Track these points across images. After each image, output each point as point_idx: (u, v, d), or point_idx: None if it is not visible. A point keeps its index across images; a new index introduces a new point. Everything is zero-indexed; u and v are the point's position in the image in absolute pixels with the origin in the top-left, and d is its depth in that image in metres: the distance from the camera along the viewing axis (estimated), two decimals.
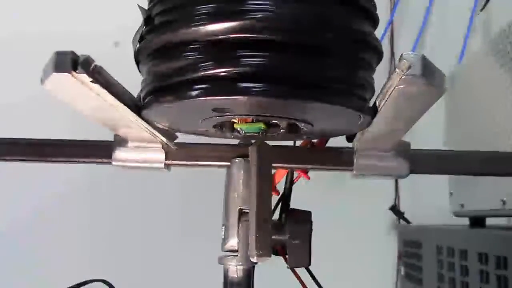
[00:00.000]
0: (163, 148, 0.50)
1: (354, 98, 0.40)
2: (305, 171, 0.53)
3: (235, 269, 0.47)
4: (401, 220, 1.20)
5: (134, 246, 1.16)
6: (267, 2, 0.37)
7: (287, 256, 0.48)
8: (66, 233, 1.14)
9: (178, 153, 0.50)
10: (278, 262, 0.47)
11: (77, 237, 1.15)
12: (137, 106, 0.41)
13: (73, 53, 0.34)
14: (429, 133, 0.86)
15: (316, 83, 0.38)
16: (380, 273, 1.19)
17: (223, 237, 0.48)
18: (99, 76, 0.35)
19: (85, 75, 0.34)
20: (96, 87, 0.35)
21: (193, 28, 0.37)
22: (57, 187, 1.14)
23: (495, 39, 0.76)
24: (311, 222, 0.49)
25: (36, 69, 0.37)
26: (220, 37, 0.36)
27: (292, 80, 0.37)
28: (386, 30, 1.19)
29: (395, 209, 1.19)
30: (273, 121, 0.42)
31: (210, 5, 0.37)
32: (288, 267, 0.49)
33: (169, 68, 0.39)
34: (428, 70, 0.34)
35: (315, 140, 0.52)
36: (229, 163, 0.49)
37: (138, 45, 0.41)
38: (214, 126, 0.44)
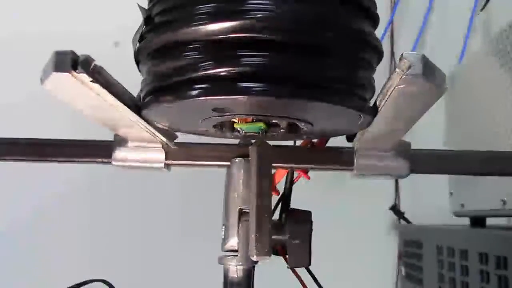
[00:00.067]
0: (163, 148, 0.50)
1: (355, 98, 0.40)
2: (305, 171, 0.53)
3: (235, 269, 0.47)
4: (401, 220, 1.20)
5: (134, 246, 1.16)
6: (267, 2, 0.37)
7: (287, 256, 0.48)
8: (66, 233, 1.14)
9: (178, 153, 0.50)
10: (278, 262, 0.47)
11: (77, 237, 1.15)
12: (137, 106, 0.41)
13: (73, 52, 0.34)
14: (429, 133, 0.86)
15: (316, 82, 0.38)
16: (380, 273, 1.19)
17: (223, 237, 0.48)
18: (99, 76, 0.35)
19: (85, 74, 0.34)
20: (96, 86, 0.35)
21: (193, 28, 0.37)
22: (57, 187, 1.14)
23: (495, 39, 0.76)
24: (311, 222, 0.49)
25: (36, 69, 0.37)
26: (220, 36, 0.36)
27: (292, 80, 0.37)
28: (386, 30, 1.19)
29: (395, 209, 1.19)
30: (273, 121, 0.42)
31: (210, 5, 0.37)
32: (288, 267, 0.49)
33: (169, 67, 0.39)
34: (428, 70, 0.34)
35: (315, 140, 0.52)
36: (229, 163, 0.49)
37: (138, 45, 0.41)
38: (214, 126, 0.44)
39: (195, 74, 0.37)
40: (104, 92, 0.36)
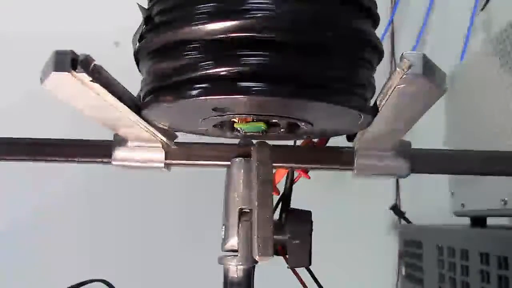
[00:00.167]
0: (163, 147, 0.50)
1: (355, 98, 0.39)
2: (306, 171, 0.53)
3: (235, 269, 0.47)
4: (402, 220, 1.19)
5: (134, 246, 1.16)
6: (267, 2, 0.37)
7: (287, 256, 0.48)
8: (66, 233, 1.14)
9: (178, 152, 0.50)
10: (278, 262, 0.47)
11: (77, 237, 1.15)
12: (137, 106, 0.41)
13: (72, 52, 0.34)
14: (429, 133, 0.86)
15: (316, 82, 0.38)
16: (380, 273, 1.19)
17: (223, 237, 0.48)
18: (99, 76, 0.35)
19: (85, 74, 0.34)
20: (96, 86, 0.35)
21: (193, 28, 0.37)
22: (57, 187, 1.14)
23: (496, 39, 0.76)
24: (311, 222, 0.49)
25: (36, 68, 0.37)
26: (220, 36, 0.36)
27: (292, 79, 0.37)
28: (387, 29, 1.19)
29: (396, 209, 1.19)
30: (273, 121, 0.42)
31: (210, 4, 0.37)
32: (288, 267, 0.49)
33: (169, 67, 0.39)
34: (429, 69, 0.34)
35: (315, 140, 0.52)
36: (229, 163, 0.49)
37: (138, 45, 0.41)
38: (214, 126, 0.44)
39: (195, 73, 0.37)
40: (104, 92, 0.36)
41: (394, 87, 0.35)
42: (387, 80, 0.36)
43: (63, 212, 1.13)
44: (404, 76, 0.34)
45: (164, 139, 0.48)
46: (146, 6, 0.42)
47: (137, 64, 0.42)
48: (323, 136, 0.51)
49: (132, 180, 1.06)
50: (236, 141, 0.50)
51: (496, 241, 0.67)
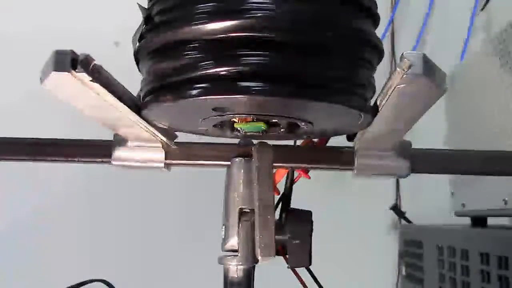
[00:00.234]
0: (163, 147, 0.50)
1: (355, 97, 0.39)
2: (306, 171, 0.53)
3: (235, 269, 0.47)
4: (402, 220, 1.19)
5: (134, 246, 1.16)
6: (267, 1, 0.36)
7: (287, 256, 0.48)
8: (66, 233, 1.14)
9: (178, 152, 0.50)
10: (278, 262, 0.47)
11: (77, 237, 1.15)
12: (137, 106, 0.41)
13: (72, 52, 0.33)
14: (429, 133, 0.86)
15: (316, 82, 0.38)
16: (380, 273, 1.19)
17: (223, 237, 0.48)
18: (99, 75, 0.35)
19: (84, 74, 0.34)
20: (96, 86, 0.35)
21: (193, 27, 0.37)
22: (57, 187, 1.14)
23: (496, 38, 0.76)
24: (311, 222, 0.49)
25: (36, 68, 0.36)
26: (220, 36, 0.36)
27: (292, 79, 0.37)
28: (387, 29, 1.19)
29: (396, 208, 1.19)
30: (273, 121, 0.42)
31: (210, 4, 0.37)
32: (288, 267, 0.49)
33: (169, 67, 0.39)
34: (429, 69, 0.34)
35: (315, 140, 0.52)
36: (229, 163, 0.49)
37: (138, 44, 0.41)
38: (214, 126, 0.44)
39: (195, 73, 0.37)
40: (104, 92, 0.36)
41: (394, 87, 0.35)
42: (387, 80, 0.36)
43: (63, 212, 1.13)
44: (404, 76, 0.33)
45: (164, 139, 0.48)
46: (146, 6, 0.42)
47: (137, 64, 0.42)
48: (323, 136, 0.51)
49: (132, 180, 1.06)
50: (236, 141, 0.50)
51: (497, 241, 0.67)
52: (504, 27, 0.74)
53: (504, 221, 0.91)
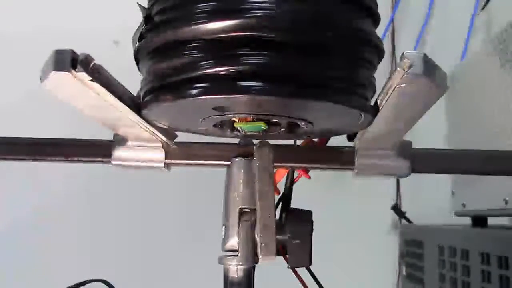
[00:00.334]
0: (163, 147, 0.50)
1: (355, 97, 0.39)
2: (306, 171, 0.53)
3: (235, 269, 0.47)
4: (403, 220, 1.19)
5: (134, 246, 1.16)
6: (268, 1, 0.36)
7: (287, 256, 0.48)
8: (66, 233, 1.14)
9: (178, 152, 0.50)
10: (278, 262, 0.47)
11: (77, 237, 1.15)
12: (137, 105, 0.41)
13: (72, 51, 0.33)
14: (429, 133, 0.86)
15: (317, 82, 0.38)
16: (381, 273, 1.19)
17: (223, 237, 0.48)
18: (99, 75, 0.35)
19: (84, 74, 0.34)
20: (96, 86, 0.35)
21: (193, 27, 0.37)
22: (57, 187, 1.14)
23: (496, 38, 0.76)
24: (311, 222, 0.49)
25: (36, 68, 0.36)
26: (220, 35, 0.36)
27: (292, 79, 0.37)
28: (387, 29, 1.19)
29: (396, 208, 1.19)
30: (274, 120, 0.42)
31: (210, 3, 0.37)
32: (288, 267, 0.49)
33: (169, 66, 0.39)
34: (429, 69, 0.34)
35: (315, 140, 0.52)
36: (229, 162, 0.49)
37: (138, 44, 0.41)
38: (214, 125, 0.44)
39: (195, 73, 0.37)
40: (103, 91, 0.36)
41: (395, 87, 0.35)
42: (388, 80, 0.36)
43: (63, 212, 1.13)
44: (405, 75, 0.33)
45: (164, 138, 0.48)
46: (146, 5, 0.42)
47: (137, 63, 0.42)
48: (324, 136, 0.51)
49: (132, 180, 1.06)
50: (236, 140, 0.50)
51: (497, 241, 0.67)
52: (504, 27, 0.74)
53: (504, 221, 0.91)
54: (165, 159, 0.50)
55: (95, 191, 1.15)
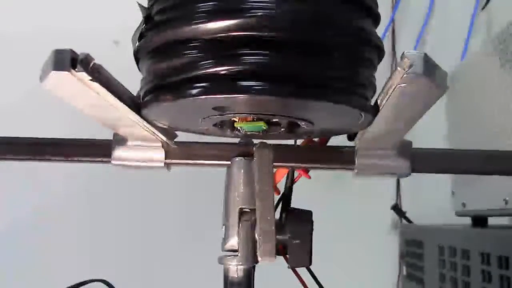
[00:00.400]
0: (163, 147, 0.50)
1: (356, 97, 0.39)
2: (306, 171, 0.53)
3: (235, 269, 0.47)
4: (403, 220, 1.19)
5: (134, 246, 1.16)
6: (268, 0, 0.36)
7: (287, 256, 0.48)
8: (66, 233, 1.14)
9: (178, 152, 0.50)
10: (278, 262, 0.47)
11: (77, 237, 1.15)
12: (137, 105, 0.40)
13: (72, 51, 0.33)
14: (429, 133, 0.86)
15: (317, 81, 0.37)
16: (381, 273, 1.19)
17: (223, 237, 0.48)
18: (99, 75, 0.35)
19: (84, 73, 0.34)
20: (96, 85, 0.35)
21: (193, 26, 0.37)
22: (57, 187, 1.14)
23: (496, 38, 0.76)
24: (311, 222, 0.49)
25: (36, 67, 0.36)
26: (220, 35, 0.36)
27: (293, 78, 0.37)
28: (387, 28, 1.19)
29: (396, 208, 1.19)
30: (274, 120, 0.42)
31: (210, 3, 0.37)
32: (288, 267, 0.49)
33: (169, 66, 0.38)
34: (429, 68, 0.33)
35: (316, 139, 0.52)
36: (229, 162, 0.49)
37: (137, 44, 0.41)
38: (214, 125, 0.44)
39: (195, 73, 0.37)
40: (103, 91, 0.36)
41: (395, 87, 0.35)
42: (388, 80, 0.36)
43: (63, 212, 1.13)
44: (405, 75, 0.33)
45: (164, 138, 0.48)
46: (146, 5, 0.42)
47: (137, 63, 0.42)
48: (324, 136, 0.51)
49: (132, 180, 1.06)
50: (236, 140, 0.50)
51: (497, 241, 0.66)
52: (504, 27, 0.74)
53: (504, 220, 0.91)
54: (165, 159, 0.50)
55: (95, 191, 1.15)
